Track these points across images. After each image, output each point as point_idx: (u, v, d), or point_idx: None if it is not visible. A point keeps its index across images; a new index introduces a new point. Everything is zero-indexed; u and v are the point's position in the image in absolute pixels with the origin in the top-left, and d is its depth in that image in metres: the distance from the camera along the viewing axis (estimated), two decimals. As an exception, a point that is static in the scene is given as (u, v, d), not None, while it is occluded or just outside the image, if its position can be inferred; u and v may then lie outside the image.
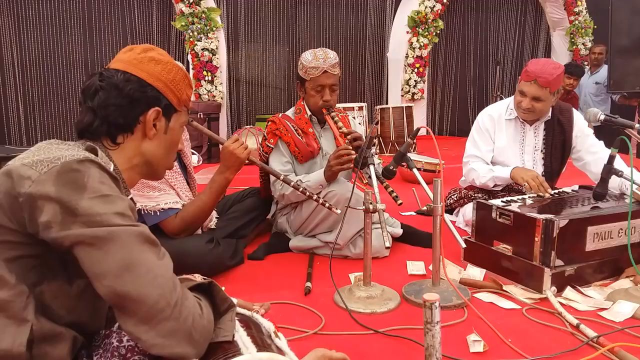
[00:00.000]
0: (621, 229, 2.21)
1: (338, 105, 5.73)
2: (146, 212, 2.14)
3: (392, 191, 2.29)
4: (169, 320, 0.96)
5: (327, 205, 2.32)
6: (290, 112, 2.70)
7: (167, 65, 1.22)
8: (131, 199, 1.18)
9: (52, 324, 1.01)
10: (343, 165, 2.37)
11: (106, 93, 1.15)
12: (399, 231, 2.71)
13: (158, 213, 2.16)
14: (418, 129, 2.45)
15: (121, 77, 1.16)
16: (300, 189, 2.33)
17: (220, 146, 2.31)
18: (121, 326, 0.99)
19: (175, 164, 2.27)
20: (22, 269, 0.98)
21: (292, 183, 2.34)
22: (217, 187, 2.26)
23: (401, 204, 2.27)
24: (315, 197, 2.34)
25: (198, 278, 1.19)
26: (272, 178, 2.53)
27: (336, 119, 2.53)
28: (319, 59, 2.50)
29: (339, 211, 2.29)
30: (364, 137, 2.46)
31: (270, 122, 2.64)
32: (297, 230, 2.60)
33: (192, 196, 2.34)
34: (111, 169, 1.06)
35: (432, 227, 2.03)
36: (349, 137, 2.42)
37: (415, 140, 5.56)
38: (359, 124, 5.72)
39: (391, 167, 2.20)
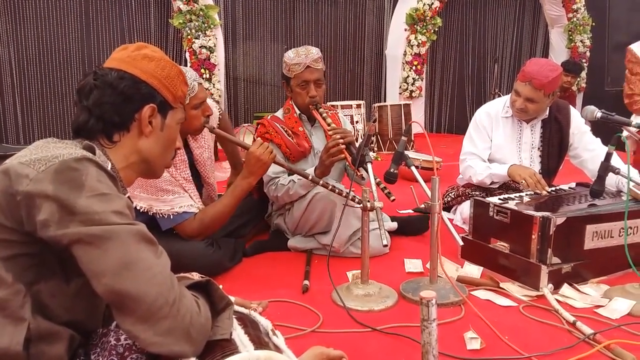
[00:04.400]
0: (622, 229, 2.22)
1: (337, 102, 5.76)
2: (160, 215, 2.15)
3: (385, 187, 2.29)
4: (167, 318, 0.96)
5: (336, 191, 2.31)
6: (279, 113, 2.69)
7: (161, 62, 1.22)
8: (128, 197, 1.18)
9: (49, 322, 1.01)
10: (334, 157, 2.36)
11: (100, 91, 1.15)
12: (393, 225, 2.72)
13: (172, 216, 2.16)
14: (410, 125, 2.45)
15: (115, 75, 1.17)
16: (321, 182, 2.32)
17: (244, 151, 2.30)
18: (119, 325, 0.99)
19: (187, 170, 2.27)
20: (19, 267, 0.99)
21: (321, 182, 2.32)
22: (239, 191, 2.26)
23: (394, 200, 2.27)
24: (330, 187, 2.32)
25: (195, 276, 1.20)
26: (265, 179, 2.53)
27: (324, 115, 2.52)
28: (300, 55, 2.50)
29: (352, 197, 2.24)
30: (356, 135, 2.46)
31: (259, 125, 2.64)
32: (294, 231, 2.60)
33: (203, 205, 2.32)
34: (109, 168, 1.06)
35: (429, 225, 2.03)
36: (334, 137, 2.40)
37: (412, 138, 5.59)
38: (357, 122, 5.71)
39: (392, 170, 2.19)
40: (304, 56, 2.49)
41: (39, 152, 1.01)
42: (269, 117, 2.66)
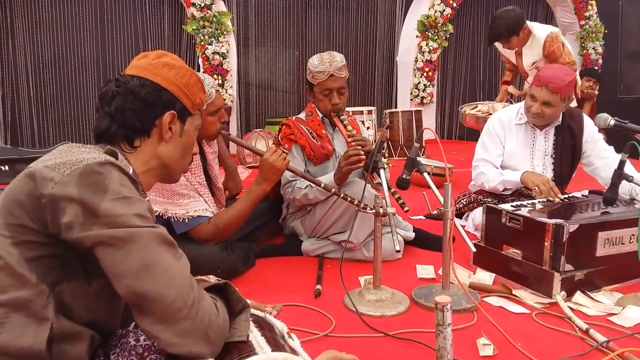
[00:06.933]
0: (633, 235, 2.21)
1: (348, 108, 5.78)
2: (175, 219, 2.17)
3: (399, 197, 2.30)
4: (186, 319, 0.98)
5: (348, 199, 2.33)
6: (302, 115, 2.72)
7: (181, 69, 1.25)
8: (148, 200, 1.21)
9: (71, 323, 1.03)
10: (352, 165, 2.38)
11: (122, 98, 1.18)
12: (411, 234, 2.72)
13: (187, 220, 2.19)
14: (422, 132, 2.46)
15: (137, 82, 1.19)
16: (333, 191, 2.34)
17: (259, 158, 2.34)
18: (139, 325, 1.01)
19: (202, 175, 2.30)
20: (43, 268, 1.01)
21: (334, 190, 2.34)
22: (254, 197, 2.29)
23: (407, 210, 2.28)
24: (342, 195, 2.34)
25: (212, 279, 1.22)
26: (282, 181, 2.55)
27: (346, 122, 2.55)
28: (325, 63, 2.51)
29: (364, 206, 2.25)
30: (371, 142, 2.48)
31: (284, 126, 2.65)
32: (311, 233, 2.61)
33: (217, 209, 2.35)
34: (130, 172, 1.09)
35: (442, 231, 2.04)
36: (353, 145, 2.42)
37: (424, 144, 5.59)
38: (368, 127, 5.74)
39: (404, 176, 2.19)
40: (327, 64, 2.50)
41: (64, 156, 1.04)
42: (293, 119, 2.68)
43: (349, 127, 2.52)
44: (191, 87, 1.26)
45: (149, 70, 1.22)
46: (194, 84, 1.27)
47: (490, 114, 3.93)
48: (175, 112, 1.23)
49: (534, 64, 3.90)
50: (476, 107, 4.34)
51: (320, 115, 2.65)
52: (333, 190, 2.34)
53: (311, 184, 2.45)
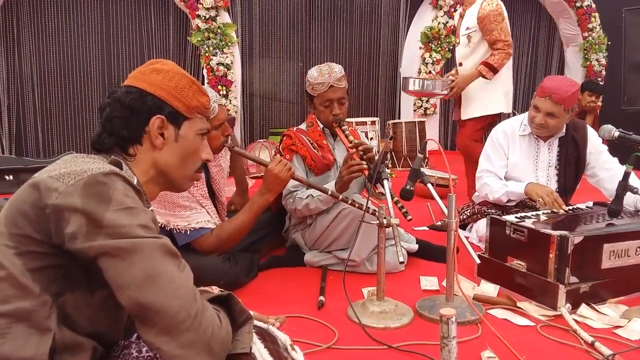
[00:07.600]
0: (639, 248, 2.20)
1: (351, 119, 5.81)
2: (177, 231, 2.17)
3: (402, 207, 2.30)
4: (189, 331, 0.97)
5: (357, 205, 2.32)
6: (303, 126, 2.73)
7: (169, 73, 1.23)
8: (152, 211, 1.20)
9: (73, 333, 1.03)
10: (353, 174, 2.37)
11: (111, 107, 1.20)
12: (414, 246, 2.71)
13: (189, 232, 2.19)
14: (426, 142, 2.45)
15: (123, 91, 1.21)
16: (340, 197, 2.34)
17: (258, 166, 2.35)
18: (142, 337, 1.00)
19: (204, 187, 2.30)
20: (46, 279, 1.01)
21: (341, 197, 2.34)
22: (256, 207, 2.28)
23: (411, 219, 2.27)
24: (350, 201, 2.34)
25: (215, 290, 1.21)
26: (284, 192, 2.54)
27: (347, 132, 2.56)
28: (324, 75, 2.52)
29: (372, 211, 2.25)
30: (374, 151, 2.48)
31: (285, 137, 2.66)
32: (312, 246, 2.61)
33: (219, 221, 2.35)
34: (134, 182, 1.09)
35: (445, 242, 2.03)
36: (359, 149, 2.43)
37: (427, 155, 5.59)
38: (371, 138, 5.73)
39: (408, 187, 2.19)
40: (327, 75, 2.52)
41: (68, 167, 1.04)
42: (294, 129, 2.69)
43: (351, 137, 2.53)
44: (182, 90, 1.23)
45: (138, 78, 1.23)
46: (185, 86, 1.24)
47: (434, 79, 3.88)
48: (163, 117, 1.21)
49: (467, 29, 3.81)
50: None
51: (321, 126, 2.66)
52: (341, 197, 2.34)
53: (312, 194, 2.45)
